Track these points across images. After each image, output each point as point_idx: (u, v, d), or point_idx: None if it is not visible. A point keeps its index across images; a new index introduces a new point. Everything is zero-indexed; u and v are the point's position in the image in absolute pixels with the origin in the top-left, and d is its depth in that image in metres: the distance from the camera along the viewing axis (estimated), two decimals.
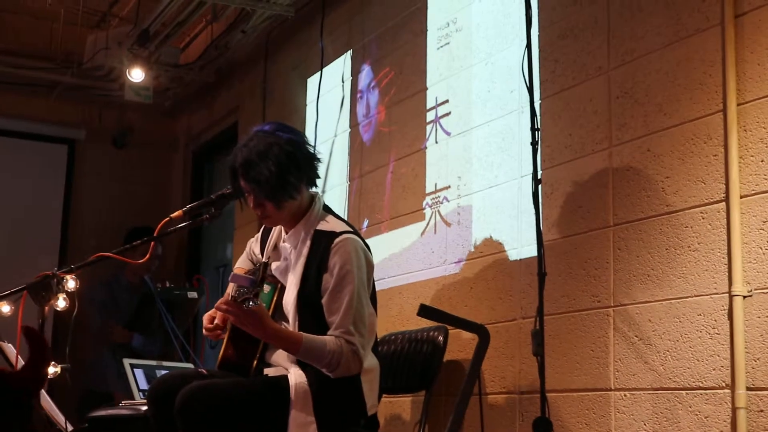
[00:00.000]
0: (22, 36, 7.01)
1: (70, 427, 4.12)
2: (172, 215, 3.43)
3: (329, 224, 3.31)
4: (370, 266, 3.30)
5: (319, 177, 3.40)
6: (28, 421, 1.50)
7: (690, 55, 3.14)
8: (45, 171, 7.37)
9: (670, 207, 3.15)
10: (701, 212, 3.05)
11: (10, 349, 3.86)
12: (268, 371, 3.30)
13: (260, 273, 3.36)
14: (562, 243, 3.54)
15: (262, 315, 3.11)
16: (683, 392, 3.03)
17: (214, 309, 3.29)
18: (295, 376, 3.17)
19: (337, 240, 3.23)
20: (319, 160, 3.39)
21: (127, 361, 4.26)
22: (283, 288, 3.32)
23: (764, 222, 2.86)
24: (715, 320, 2.96)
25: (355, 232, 3.33)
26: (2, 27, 7.01)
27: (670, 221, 3.15)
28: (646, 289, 3.20)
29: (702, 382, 2.98)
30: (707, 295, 2.99)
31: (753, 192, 2.90)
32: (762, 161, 2.89)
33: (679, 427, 3.02)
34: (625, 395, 3.23)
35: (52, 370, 3.75)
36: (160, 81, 6.85)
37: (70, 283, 3.50)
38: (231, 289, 3.26)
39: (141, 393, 4.12)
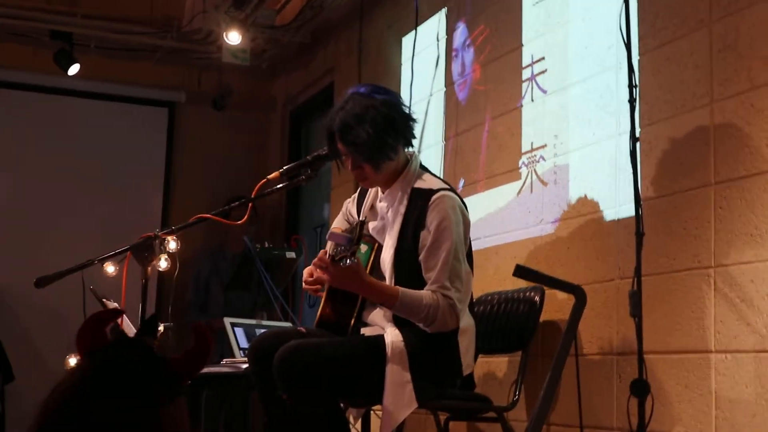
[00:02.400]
0: (123, 2, 7.15)
1: None
2: (269, 177, 3.48)
3: (426, 182, 3.33)
4: (467, 224, 3.32)
5: (415, 137, 3.42)
6: (175, 401, 1.55)
7: None
8: (147, 134, 7.54)
9: None
10: None
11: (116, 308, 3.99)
12: (365, 330, 3.35)
13: (357, 231, 3.40)
14: (661, 202, 3.48)
15: (359, 270, 3.14)
16: None
17: (312, 264, 3.34)
18: (392, 336, 3.20)
19: (435, 197, 3.24)
20: (414, 120, 3.40)
21: (227, 320, 4.34)
22: (380, 247, 3.35)
23: None
24: None
25: (452, 190, 3.34)
26: None
27: None
28: (749, 249, 3.13)
29: None
30: None
31: None
32: None
33: None
34: (726, 357, 3.17)
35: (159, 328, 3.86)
36: (257, 43, 6.92)
37: (172, 244, 3.59)
38: (328, 247, 3.30)
39: (241, 351, 4.21)
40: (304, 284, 3.41)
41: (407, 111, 3.38)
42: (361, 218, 3.49)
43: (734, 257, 3.18)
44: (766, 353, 3.03)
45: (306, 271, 3.41)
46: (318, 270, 3.24)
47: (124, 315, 3.80)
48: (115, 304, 3.99)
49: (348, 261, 3.05)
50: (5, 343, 6.54)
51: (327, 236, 3.38)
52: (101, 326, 1.59)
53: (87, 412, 1.46)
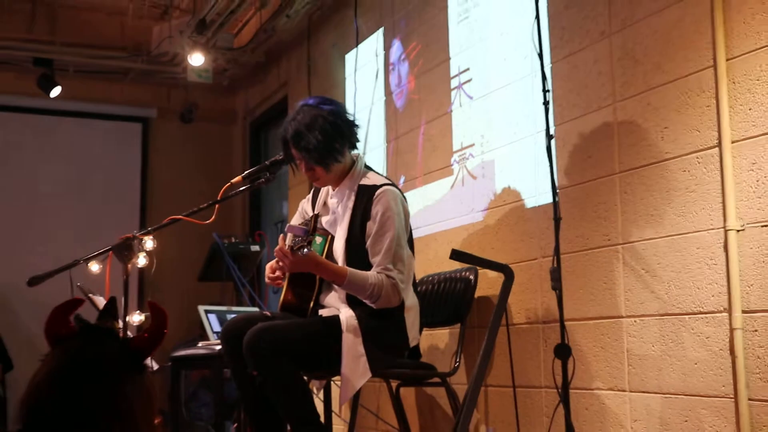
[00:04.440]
0: (97, 30, 7.04)
1: (155, 366, 4.19)
2: (232, 180, 3.45)
3: (370, 179, 3.33)
4: (407, 214, 3.32)
5: (359, 140, 3.40)
6: (141, 373, 1.54)
7: (683, 17, 3.08)
8: (123, 146, 7.45)
9: (669, 154, 3.11)
10: (697, 157, 3.00)
11: (102, 302, 3.93)
12: (323, 312, 3.33)
13: (312, 224, 3.39)
14: (575, 190, 3.51)
15: (313, 256, 3.13)
16: (686, 317, 3.01)
17: (275, 260, 3.32)
18: (346, 315, 3.19)
19: (378, 192, 3.24)
20: (358, 126, 3.39)
21: (201, 308, 4.30)
22: (332, 238, 3.34)
23: (753, 164, 2.81)
24: (713, 252, 2.92)
25: (394, 185, 3.34)
26: (80, 23, 7.04)
27: (669, 166, 3.10)
28: (650, 227, 3.17)
29: (702, 307, 2.95)
30: (705, 230, 2.95)
31: (743, 137, 2.85)
32: (750, 110, 2.83)
33: (684, 347, 3.00)
34: (635, 321, 3.21)
35: (138, 318, 3.82)
36: (218, 63, 6.86)
37: (149, 243, 3.54)
38: (288, 239, 3.29)
39: (215, 334, 4.17)
40: (267, 279, 3.39)
41: (351, 118, 3.36)
42: (315, 212, 3.48)
43: (638, 235, 3.22)
44: (668, 316, 3.07)
45: (268, 267, 3.39)
46: (278, 260, 3.21)
47: (98, 297, 3.74)
48: (101, 298, 3.93)
49: (305, 250, 3.05)
50: (4, 337, 6.43)
51: (286, 229, 3.36)
52: (65, 316, 1.57)
53: (64, 395, 1.44)
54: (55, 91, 6.69)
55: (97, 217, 6.97)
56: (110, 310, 1.66)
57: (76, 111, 7.25)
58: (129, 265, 3.36)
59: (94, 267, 3.65)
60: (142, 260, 3.57)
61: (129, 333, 3.50)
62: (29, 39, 6.81)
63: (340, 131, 3.26)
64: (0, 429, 5.88)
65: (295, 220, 3.62)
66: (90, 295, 3.99)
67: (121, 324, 3.79)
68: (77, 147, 7.20)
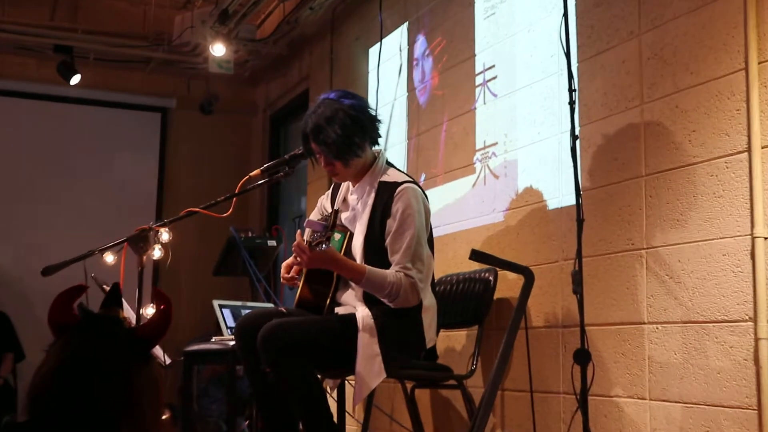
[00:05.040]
0: (119, 18, 7.07)
1: (168, 360, 4.20)
2: (251, 174, 3.45)
3: (391, 176, 3.31)
4: (427, 212, 3.31)
5: (380, 136, 3.39)
6: (148, 363, 1.54)
7: (714, 18, 3.04)
8: (142, 136, 7.49)
9: (696, 158, 3.08)
10: (725, 162, 2.97)
11: None
12: (339, 310, 3.32)
13: (331, 219, 3.38)
14: (599, 192, 3.49)
15: (332, 252, 3.13)
16: (710, 325, 2.98)
17: (291, 258, 3.32)
18: (362, 313, 3.18)
19: (399, 189, 3.23)
20: (379, 121, 3.38)
21: (216, 302, 4.31)
22: (352, 235, 3.33)
23: None
24: (739, 260, 2.89)
25: (415, 182, 3.32)
26: (102, 11, 7.08)
27: (696, 171, 3.07)
28: (676, 233, 3.14)
29: (727, 316, 2.92)
30: (731, 237, 2.92)
31: None
32: None
33: (707, 356, 2.98)
34: (657, 328, 3.19)
35: (151, 310, 3.82)
36: (240, 54, 6.87)
37: (164, 236, 3.55)
38: (306, 234, 3.29)
39: (229, 330, 4.17)
40: (282, 279, 3.38)
41: (373, 113, 3.35)
42: (335, 208, 3.47)
43: (662, 240, 3.19)
44: (691, 323, 3.05)
45: (284, 266, 3.38)
46: (296, 256, 3.21)
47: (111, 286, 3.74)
48: None
49: (324, 246, 3.04)
50: (17, 327, 6.48)
51: (305, 224, 3.36)
52: (68, 304, 1.57)
53: (70, 386, 1.44)
54: (75, 79, 6.72)
55: (114, 207, 7.01)
56: (114, 298, 1.66)
57: (96, 99, 7.29)
58: (144, 257, 3.37)
59: (109, 258, 3.66)
60: (157, 252, 3.58)
61: None
62: (51, 26, 6.85)
63: (361, 126, 3.25)
64: (10, 419, 5.92)
65: (314, 217, 3.61)
66: (104, 286, 4.00)
67: (126, 312, 3.80)
68: (95, 135, 7.24)
